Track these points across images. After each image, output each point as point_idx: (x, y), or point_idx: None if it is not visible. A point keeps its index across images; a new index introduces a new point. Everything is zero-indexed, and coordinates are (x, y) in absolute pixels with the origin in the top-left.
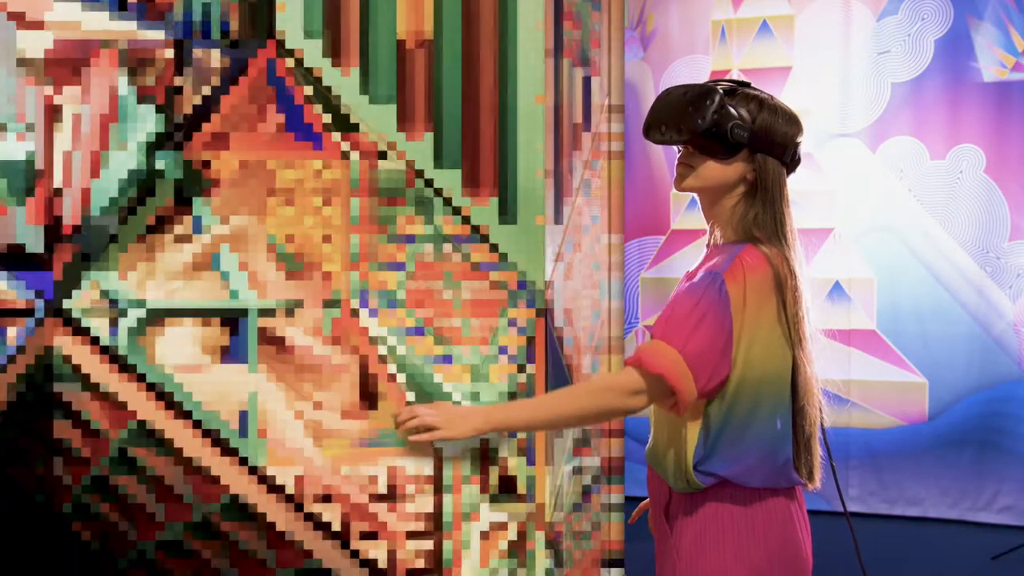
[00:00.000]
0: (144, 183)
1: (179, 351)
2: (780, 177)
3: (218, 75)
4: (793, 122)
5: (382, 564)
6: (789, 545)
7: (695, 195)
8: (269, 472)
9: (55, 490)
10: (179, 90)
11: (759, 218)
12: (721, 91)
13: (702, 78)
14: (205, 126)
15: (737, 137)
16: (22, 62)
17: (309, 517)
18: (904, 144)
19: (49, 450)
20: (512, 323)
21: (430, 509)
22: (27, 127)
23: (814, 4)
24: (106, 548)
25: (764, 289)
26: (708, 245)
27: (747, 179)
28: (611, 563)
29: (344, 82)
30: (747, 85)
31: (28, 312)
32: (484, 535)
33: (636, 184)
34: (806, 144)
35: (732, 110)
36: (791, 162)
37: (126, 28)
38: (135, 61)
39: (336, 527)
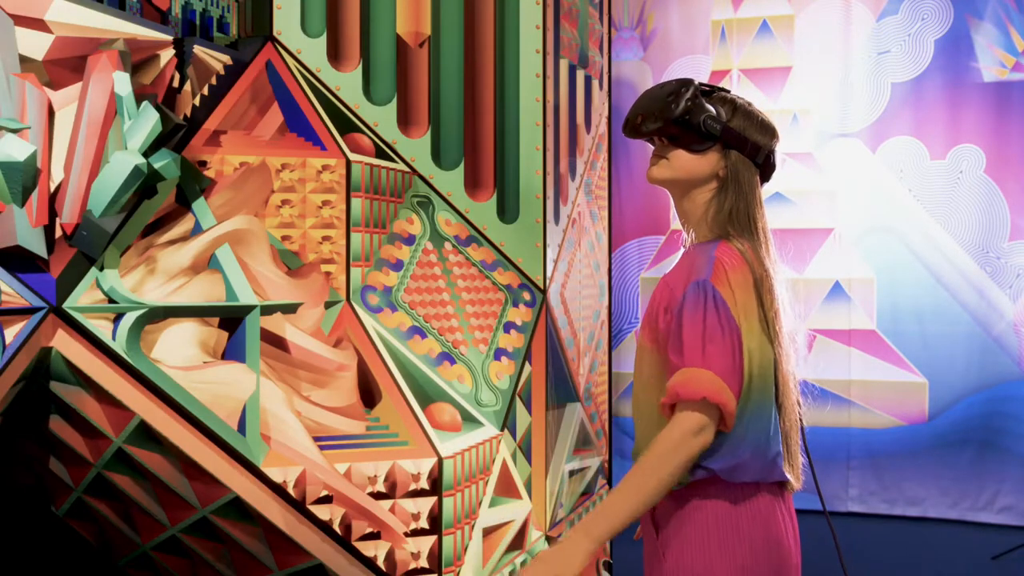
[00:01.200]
0: (144, 183)
1: (179, 351)
2: (752, 177)
3: (218, 75)
4: (766, 130)
5: (382, 564)
6: (773, 543)
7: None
8: (269, 472)
9: (55, 490)
10: (179, 90)
11: (733, 212)
12: (697, 84)
13: (702, 78)
14: (205, 126)
15: (709, 128)
16: (22, 62)
17: (309, 517)
18: (904, 144)
19: (49, 450)
20: (512, 323)
21: (430, 509)
22: (27, 127)
23: (814, 4)
24: (105, 547)
25: (746, 286)
26: (684, 246)
27: (719, 175)
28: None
29: (344, 82)
30: (725, 91)
31: (28, 312)
32: (484, 535)
33: (636, 184)
34: (806, 144)
35: (706, 103)
36: (765, 167)
37: (126, 28)
38: (135, 61)
39: (336, 527)
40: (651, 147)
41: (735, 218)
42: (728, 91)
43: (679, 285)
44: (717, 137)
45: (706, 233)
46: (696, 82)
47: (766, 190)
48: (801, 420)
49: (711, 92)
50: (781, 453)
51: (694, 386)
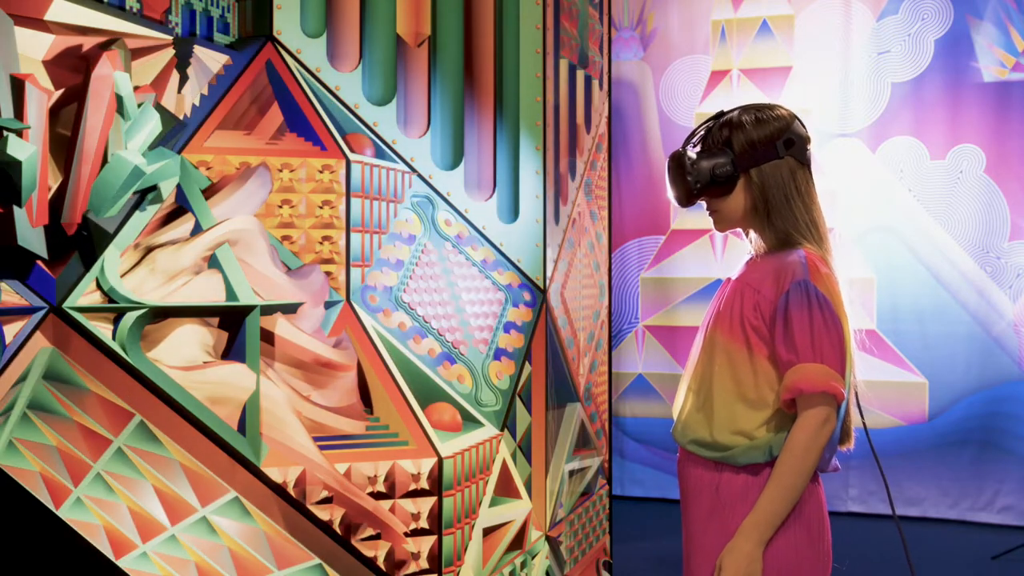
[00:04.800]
0: (144, 183)
1: (179, 351)
2: (779, 176)
3: (218, 75)
4: (766, 124)
5: (382, 564)
6: (824, 526)
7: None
8: (269, 472)
9: (55, 490)
10: (179, 90)
11: (771, 225)
12: (685, 150)
13: (702, 78)
14: (205, 126)
15: (722, 174)
16: (22, 62)
17: (309, 517)
18: (904, 144)
19: (49, 450)
20: (512, 323)
21: (430, 509)
22: (27, 127)
23: (814, 4)
24: (105, 547)
25: (835, 282)
26: (751, 256)
27: (755, 196)
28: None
29: (344, 82)
30: (717, 117)
31: (28, 312)
32: (484, 534)
33: (636, 184)
34: None
35: (704, 159)
36: (793, 151)
37: (126, 28)
38: (135, 61)
39: (336, 527)
40: (653, 146)
41: (778, 227)
42: (723, 115)
43: (767, 286)
44: (733, 173)
45: (773, 242)
46: (684, 149)
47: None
48: (863, 421)
49: (708, 132)
50: (838, 440)
51: (814, 380)
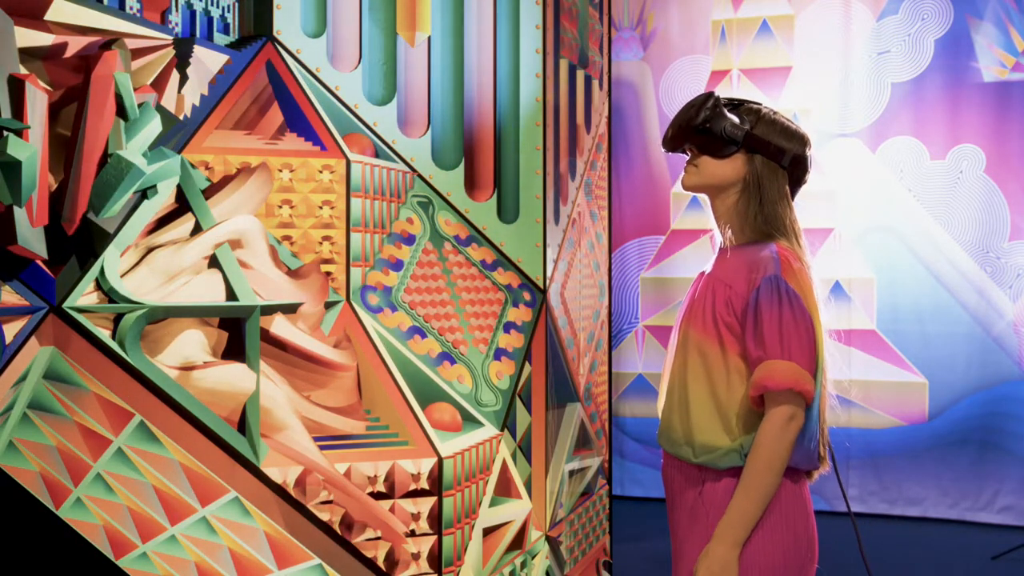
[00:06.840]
0: (144, 183)
1: (179, 351)
2: (776, 177)
3: (218, 75)
4: (790, 135)
5: (382, 564)
6: (809, 526)
7: (697, 196)
8: (269, 472)
9: (55, 490)
10: (179, 90)
11: (761, 215)
12: (720, 97)
13: (702, 78)
14: (205, 126)
15: (730, 135)
16: (23, 62)
17: (309, 517)
18: (904, 144)
19: (49, 450)
20: (512, 323)
21: (430, 509)
22: (27, 127)
23: (814, 4)
24: (105, 547)
25: (808, 280)
26: (722, 247)
27: (744, 178)
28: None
29: (344, 82)
30: (753, 103)
31: (28, 312)
32: (484, 534)
33: (636, 184)
34: None
35: (727, 113)
36: (793, 170)
37: (126, 28)
38: (135, 61)
39: (336, 527)
40: (653, 146)
41: (768, 220)
42: (757, 103)
43: (739, 281)
44: (739, 142)
45: (749, 234)
46: (718, 95)
47: (802, 191)
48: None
49: (738, 104)
50: (818, 440)
51: (780, 377)
